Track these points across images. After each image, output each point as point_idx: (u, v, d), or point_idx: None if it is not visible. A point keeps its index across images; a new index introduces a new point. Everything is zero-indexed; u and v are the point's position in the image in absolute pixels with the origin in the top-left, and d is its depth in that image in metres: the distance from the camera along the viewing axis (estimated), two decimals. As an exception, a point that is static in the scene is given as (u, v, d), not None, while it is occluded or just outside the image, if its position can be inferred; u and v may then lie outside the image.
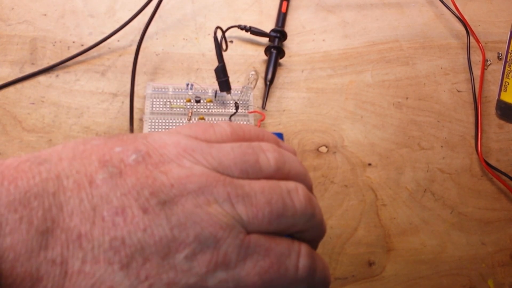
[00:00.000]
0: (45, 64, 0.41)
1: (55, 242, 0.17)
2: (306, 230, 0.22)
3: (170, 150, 0.20)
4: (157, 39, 0.43)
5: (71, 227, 0.17)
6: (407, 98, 0.43)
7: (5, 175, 0.18)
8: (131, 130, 0.39)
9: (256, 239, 0.19)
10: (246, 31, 0.44)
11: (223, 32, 0.42)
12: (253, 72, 0.42)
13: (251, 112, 0.40)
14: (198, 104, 0.40)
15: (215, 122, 0.39)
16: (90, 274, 0.17)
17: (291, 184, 0.21)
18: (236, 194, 0.20)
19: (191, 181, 0.19)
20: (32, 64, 0.40)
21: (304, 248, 0.21)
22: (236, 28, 0.44)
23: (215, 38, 0.40)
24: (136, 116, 0.39)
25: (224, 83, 0.39)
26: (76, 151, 0.19)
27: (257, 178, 0.21)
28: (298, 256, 0.21)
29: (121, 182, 0.18)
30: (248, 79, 0.40)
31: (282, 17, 0.45)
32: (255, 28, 0.44)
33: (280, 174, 0.21)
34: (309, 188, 0.23)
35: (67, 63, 0.41)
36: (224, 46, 0.43)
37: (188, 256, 0.18)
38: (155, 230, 0.18)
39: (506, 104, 0.44)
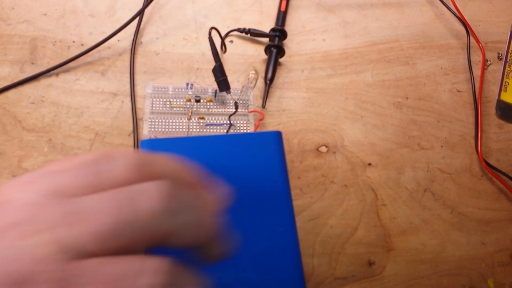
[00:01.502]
0: (45, 64, 0.41)
1: None
2: (173, 233, 0.18)
3: (13, 185, 0.18)
4: (157, 38, 0.43)
5: None
6: (407, 98, 0.43)
7: None
8: (134, 131, 0.39)
9: (87, 265, 0.16)
10: (246, 33, 0.44)
11: (221, 36, 0.42)
12: (253, 72, 0.42)
13: (251, 111, 0.40)
14: (198, 103, 0.40)
15: (214, 121, 0.39)
16: None
17: (142, 186, 0.18)
18: (65, 216, 0.17)
19: (18, 212, 0.17)
20: (32, 63, 0.40)
21: (156, 264, 0.17)
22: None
23: (210, 38, 0.41)
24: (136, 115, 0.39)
25: (222, 83, 0.39)
26: None
27: (102, 190, 0.18)
28: (148, 275, 0.17)
29: None
30: (248, 78, 0.41)
31: (281, 16, 0.46)
32: (254, 29, 0.44)
33: (136, 178, 0.18)
34: (183, 183, 0.19)
35: (66, 63, 0.41)
36: (223, 48, 0.43)
37: None
38: None
39: (506, 104, 0.44)
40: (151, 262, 0.17)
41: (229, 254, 0.20)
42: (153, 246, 0.18)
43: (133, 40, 0.42)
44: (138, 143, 0.38)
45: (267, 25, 0.45)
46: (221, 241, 0.20)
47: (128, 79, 0.41)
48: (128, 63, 0.42)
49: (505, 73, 0.45)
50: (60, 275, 0.16)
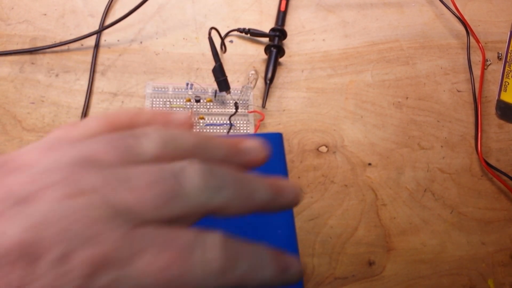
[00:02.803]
0: (45, 64, 0.41)
1: None
2: (225, 207, 0.18)
3: (30, 150, 0.18)
4: (157, 38, 0.43)
5: None
6: (407, 98, 0.43)
7: None
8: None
9: (149, 231, 0.16)
10: (246, 33, 0.44)
11: (221, 37, 0.42)
12: (253, 72, 0.42)
13: (251, 112, 0.40)
14: (198, 103, 0.40)
15: (214, 122, 0.39)
16: None
17: (177, 165, 0.18)
18: (108, 182, 0.17)
19: (54, 173, 0.17)
20: (32, 64, 0.40)
21: (216, 238, 0.17)
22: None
23: (210, 38, 0.41)
24: (136, 115, 0.39)
25: (222, 83, 0.39)
26: None
27: (136, 165, 0.18)
28: (207, 247, 0.17)
29: None
30: (248, 78, 0.41)
31: (281, 16, 0.45)
32: (254, 29, 0.44)
33: (165, 157, 0.18)
34: (218, 155, 0.19)
35: (66, 63, 0.41)
36: (223, 48, 0.43)
37: (57, 259, 0.15)
38: (11, 232, 0.15)
39: (506, 104, 0.44)
40: (206, 236, 0.17)
41: (298, 199, 0.20)
42: (204, 217, 0.18)
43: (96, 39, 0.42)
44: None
45: (267, 25, 0.45)
46: (286, 190, 0.20)
47: (128, 79, 0.41)
48: (128, 63, 0.42)
49: (505, 73, 0.45)
50: (123, 236, 0.16)
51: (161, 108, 0.39)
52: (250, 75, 0.41)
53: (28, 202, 0.16)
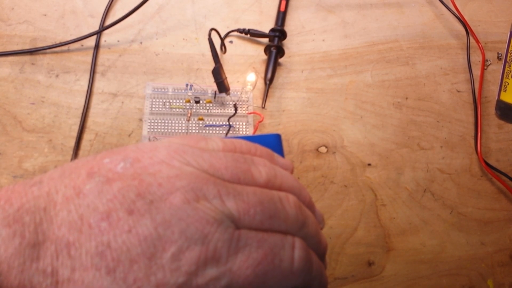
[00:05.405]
0: (45, 65, 0.41)
1: (45, 253, 0.17)
2: (305, 238, 0.22)
3: (160, 151, 0.20)
4: (157, 39, 0.44)
5: (60, 238, 0.18)
6: (406, 98, 0.43)
7: (1, 196, 0.19)
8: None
9: (247, 232, 0.19)
10: (245, 34, 0.44)
11: (221, 37, 0.42)
12: (252, 72, 0.42)
13: (250, 113, 0.40)
14: (198, 104, 0.40)
15: (213, 123, 0.39)
16: (79, 281, 0.17)
17: (281, 193, 0.21)
18: (227, 192, 0.20)
19: (180, 179, 0.19)
20: (32, 64, 0.41)
21: (298, 241, 0.21)
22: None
23: (210, 40, 0.41)
24: (136, 116, 0.39)
25: (221, 84, 0.39)
26: (66, 169, 0.20)
27: (248, 185, 0.21)
28: (293, 248, 0.20)
29: (107, 188, 0.19)
30: (248, 79, 0.41)
31: (281, 16, 0.45)
32: (254, 30, 0.44)
33: (271, 186, 0.22)
34: (305, 202, 0.23)
35: (66, 64, 0.41)
36: (222, 49, 0.43)
37: (175, 254, 0.18)
38: (140, 230, 0.18)
39: (506, 104, 0.44)
40: (290, 238, 0.20)
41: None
42: None
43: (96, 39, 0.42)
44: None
45: (266, 25, 0.45)
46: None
47: (128, 80, 0.41)
48: (128, 64, 0.42)
49: (505, 73, 0.45)
50: (229, 237, 0.19)
51: (160, 109, 0.39)
52: (250, 76, 0.41)
53: (156, 203, 0.18)
